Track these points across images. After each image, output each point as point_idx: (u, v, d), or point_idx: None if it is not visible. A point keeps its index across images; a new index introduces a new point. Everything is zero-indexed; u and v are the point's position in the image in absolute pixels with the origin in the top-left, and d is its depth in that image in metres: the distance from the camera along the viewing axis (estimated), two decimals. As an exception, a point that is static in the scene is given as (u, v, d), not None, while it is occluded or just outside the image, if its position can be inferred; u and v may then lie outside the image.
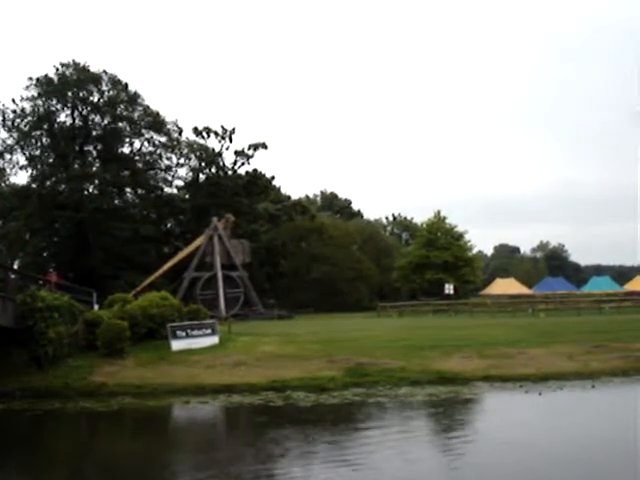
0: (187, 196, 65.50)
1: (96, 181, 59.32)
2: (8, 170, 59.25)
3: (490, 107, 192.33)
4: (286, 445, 15.40)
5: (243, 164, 65.18)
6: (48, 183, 58.27)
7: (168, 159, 62.55)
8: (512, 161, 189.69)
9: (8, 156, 58.09)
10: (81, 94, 57.76)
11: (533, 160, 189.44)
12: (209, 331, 27.89)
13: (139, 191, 62.52)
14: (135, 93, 59.91)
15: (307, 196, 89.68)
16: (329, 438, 15.95)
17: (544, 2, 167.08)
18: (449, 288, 58.90)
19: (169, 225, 66.97)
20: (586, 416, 17.52)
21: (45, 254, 59.78)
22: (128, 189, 62.42)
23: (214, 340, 27.67)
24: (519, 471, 12.51)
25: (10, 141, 57.85)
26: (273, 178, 69.61)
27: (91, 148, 60.78)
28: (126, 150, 61.72)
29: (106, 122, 59.71)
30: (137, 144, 61.73)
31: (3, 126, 57.53)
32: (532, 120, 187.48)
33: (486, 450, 14.27)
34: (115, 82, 59.15)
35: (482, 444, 14.85)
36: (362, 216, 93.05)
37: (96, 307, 32.15)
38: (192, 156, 65.05)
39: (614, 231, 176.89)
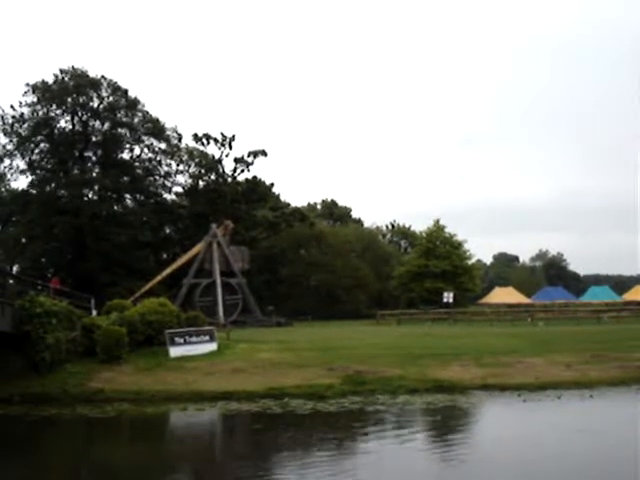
0: (186, 203, 65.53)
1: (95, 187, 59.43)
2: (8, 175, 59.40)
3: (492, 115, 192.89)
4: (283, 454, 15.37)
5: (242, 171, 65.26)
6: (48, 188, 58.33)
7: (168, 165, 62.78)
8: (513, 170, 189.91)
9: (8, 161, 58.36)
10: (81, 100, 57.91)
11: (534, 169, 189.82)
12: (207, 338, 27.83)
13: (138, 197, 62.59)
14: (135, 99, 60.10)
15: (309, 204, 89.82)
16: (327, 447, 15.89)
17: (557, 7, 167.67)
18: (448, 296, 58.84)
19: (168, 231, 66.94)
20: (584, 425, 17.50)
21: (44, 259, 59.73)
22: (127, 195, 62.51)
23: (212, 347, 27.61)
24: None
25: (10, 146, 58.02)
26: (272, 185, 69.74)
27: (91, 154, 60.88)
28: (126, 156, 61.96)
29: (106, 128, 59.85)
30: (137, 150, 61.99)
31: (3, 131, 57.67)
32: (533, 129, 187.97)
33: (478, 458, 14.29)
34: (115, 88, 59.31)
35: (477, 455, 14.85)
36: (362, 224, 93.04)
37: (94, 313, 32.10)
38: (192, 163, 65.21)
39: (613, 241, 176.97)
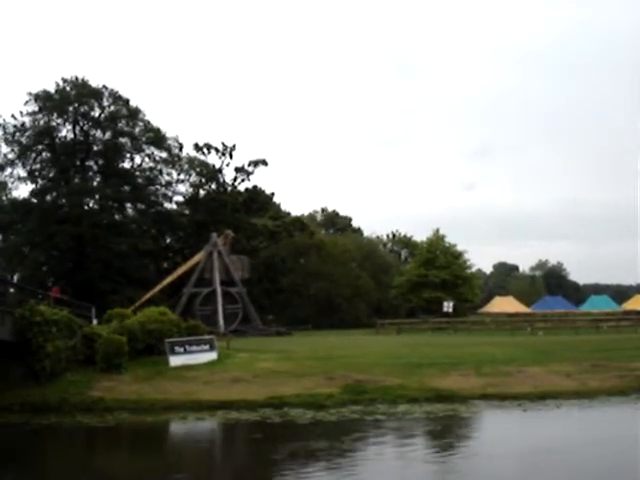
0: (187, 212, 65.62)
1: (96, 196, 59.51)
2: (9, 184, 59.53)
3: (493, 128, 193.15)
4: (282, 464, 15.40)
5: (243, 180, 65.41)
6: (48, 197, 58.44)
7: (168, 175, 62.70)
8: (512, 179, 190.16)
9: (9, 170, 58.44)
10: (82, 109, 58.06)
11: (533, 179, 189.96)
12: (207, 347, 27.83)
13: (139, 206, 62.59)
14: (136, 108, 60.20)
15: (310, 213, 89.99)
16: (327, 457, 15.90)
17: (565, 14, 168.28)
18: (448, 306, 58.80)
19: (168, 240, 66.97)
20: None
21: (44, 268, 59.75)
22: (128, 204, 62.50)
23: (212, 356, 27.61)
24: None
25: (11, 155, 58.10)
26: (273, 195, 69.81)
27: (92, 163, 60.93)
28: (127, 165, 61.94)
29: (107, 137, 59.91)
30: (138, 159, 61.94)
31: (4, 140, 57.83)
32: (534, 138, 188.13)
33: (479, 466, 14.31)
34: (116, 97, 59.45)
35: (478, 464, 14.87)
36: (362, 233, 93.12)
37: (95, 322, 32.12)
38: (192, 172, 65.27)
39: (613, 250, 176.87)
